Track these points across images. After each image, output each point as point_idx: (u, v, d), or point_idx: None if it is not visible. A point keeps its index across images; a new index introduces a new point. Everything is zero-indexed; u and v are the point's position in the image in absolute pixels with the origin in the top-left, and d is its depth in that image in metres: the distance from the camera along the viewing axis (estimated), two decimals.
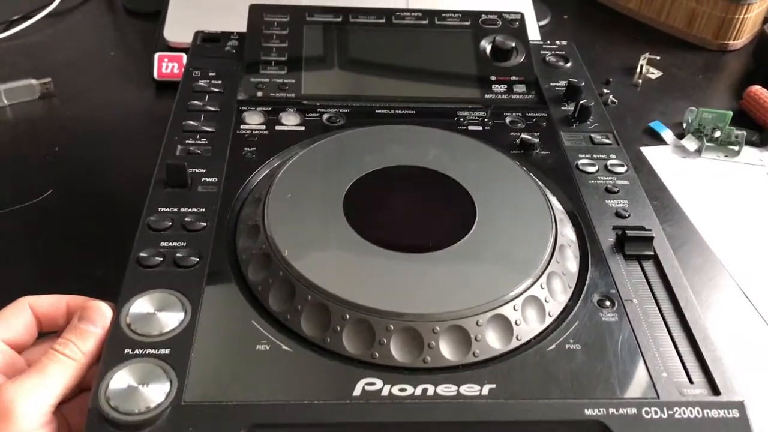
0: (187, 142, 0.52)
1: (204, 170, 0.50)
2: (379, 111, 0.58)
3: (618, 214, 0.49)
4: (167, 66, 0.74)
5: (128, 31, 0.85)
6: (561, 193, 0.51)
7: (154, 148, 0.52)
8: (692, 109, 0.74)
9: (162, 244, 0.44)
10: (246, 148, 0.52)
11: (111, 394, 0.36)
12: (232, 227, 0.46)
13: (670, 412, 0.37)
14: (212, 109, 0.56)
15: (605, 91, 0.79)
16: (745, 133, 0.72)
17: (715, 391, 0.38)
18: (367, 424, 0.36)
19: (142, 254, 0.43)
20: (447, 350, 0.39)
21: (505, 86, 0.62)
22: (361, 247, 0.43)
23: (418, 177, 0.49)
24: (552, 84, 0.62)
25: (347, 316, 0.39)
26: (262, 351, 0.39)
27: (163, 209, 0.47)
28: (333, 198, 0.46)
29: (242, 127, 0.55)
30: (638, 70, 0.83)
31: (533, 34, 0.79)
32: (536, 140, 0.55)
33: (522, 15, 0.68)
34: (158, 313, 0.40)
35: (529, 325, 0.40)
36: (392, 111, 0.58)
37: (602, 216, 0.49)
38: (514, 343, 0.40)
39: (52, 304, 0.41)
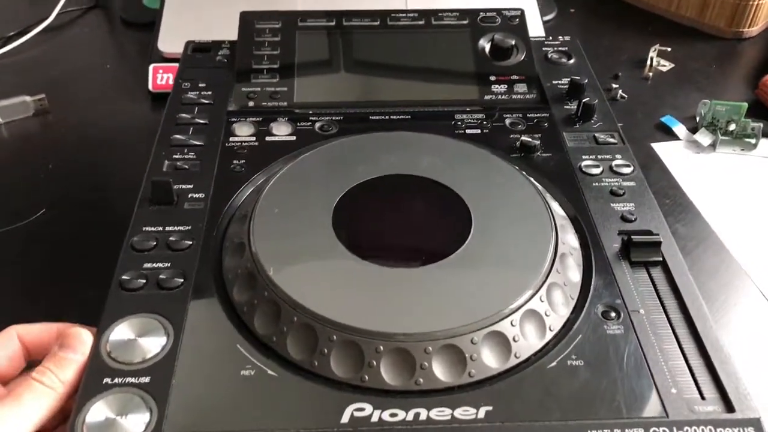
0: (174, 157, 0.51)
1: (191, 186, 0.48)
2: (374, 117, 0.56)
3: (624, 218, 0.47)
4: (162, 77, 0.73)
5: (125, 43, 0.85)
6: (563, 197, 0.48)
7: (149, 162, 0.51)
8: (705, 102, 0.71)
9: (146, 265, 0.43)
10: (235, 161, 0.51)
11: (88, 427, 0.34)
12: (218, 245, 0.44)
13: (680, 431, 0.35)
14: (201, 121, 0.54)
15: (614, 85, 0.76)
16: (761, 124, 0.69)
17: (729, 407, 0.36)
18: None
19: (124, 277, 0.42)
20: (440, 371, 0.37)
21: (505, 86, 0.60)
22: (349, 262, 0.41)
23: (411, 187, 0.47)
24: (554, 82, 0.60)
25: (334, 337, 0.37)
26: (247, 376, 0.37)
27: (147, 228, 0.45)
28: (322, 211, 0.44)
29: (231, 139, 0.53)
30: (648, 62, 0.80)
31: (536, 30, 0.76)
32: (537, 142, 0.52)
33: (522, 11, 0.65)
34: (139, 339, 0.38)
35: (528, 341, 0.38)
36: (387, 117, 0.56)
37: (607, 220, 0.47)
38: (513, 362, 0.38)
39: (41, 332, 0.40)
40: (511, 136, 0.54)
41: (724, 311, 0.53)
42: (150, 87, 0.73)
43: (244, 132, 0.54)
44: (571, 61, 0.63)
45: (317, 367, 0.37)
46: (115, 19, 0.87)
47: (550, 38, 0.65)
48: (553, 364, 0.38)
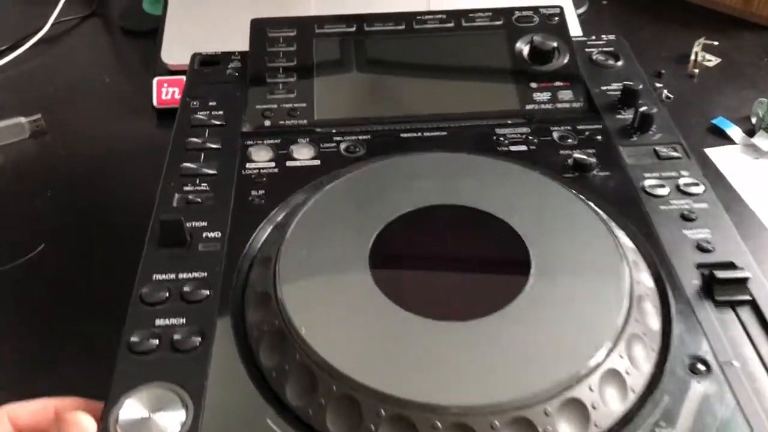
0: (185, 188, 0.46)
1: (205, 223, 0.43)
2: (405, 135, 0.50)
3: (700, 248, 0.41)
4: (167, 92, 0.68)
5: (126, 53, 0.79)
6: (628, 224, 0.43)
7: (156, 187, 0.46)
8: (762, 101, 0.65)
9: (158, 322, 0.37)
10: (253, 192, 0.45)
11: None
12: (239, 295, 0.39)
13: None
14: (213, 146, 0.49)
15: (657, 85, 0.71)
16: None
17: None
18: None
19: (134, 338, 0.36)
20: None
21: (549, 94, 0.54)
22: (393, 315, 0.36)
23: (456, 219, 0.41)
24: (603, 88, 0.54)
25: (382, 412, 0.32)
26: None
27: (158, 276, 0.40)
28: (357, 253, 0.39)
29: (248, 165, 0.48)
30: (693, 57, 0.74)
31: (574, 29, 0.70)
32: (592, 160, 0.47)
33: (561, 9, 0.59)
34: (154, 415, 0.33)
35: (608, 408, 0.33)
36: (420, 134, 0.50)
37: (681, 251, 0.41)
38: None
39: (36, 412, 0.35)
40: (562, 152, 0.48)
41: None
42: (154, 102, 0.68)
43: (261, 157, 0.48)
44: (619, 63, 0.57)
45: None
46: (114, 28, 0.82)
47: (593, 38, 0.60)
48: None
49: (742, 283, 0.38)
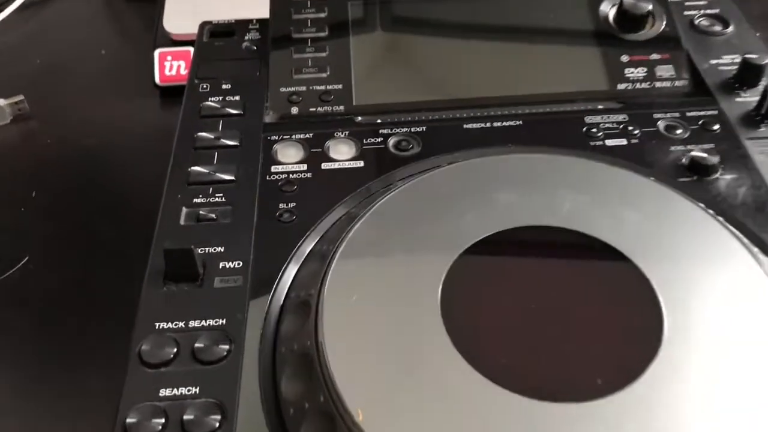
0: (195, 201, 0.36)
1: (222, 249, 0.34)
2: (469, 126, 0.40)
3: None
4: (171, 66, 0.58)
5: (126, 20, 0.69)
6: None
7: (161, 184, 0.37)
8: None
9: (162, 392, 0.29)
10: (282, 206, 0.36)
11: None
12: (269, 354, 0.30)
13: None
14: (230, 142, 0.39)
15: None
16: None
17: None
18: None
19: (131, 419, 0.28)
20: None
21: (644, 69, 0.44)
22: (479, 392, 0.26)
23: (553, 247, 0.32)
24: (712, 62, 0.44)
25: None
26: None
27: (162, 324, 0.31)
28: (424, 298, 0.29)
29: (274, 169, 0.38)
30: None
31: None
32: (715, 159, 0.37)
33: None
34: None
35: None
36: (487, 124, 0.40)
37: None
38: None
39: None
40: (673, 147, 0.38)
41: None
42: (157, 79, 0.58)
43: (290, 156, 0.39)
44: (729, 29, 0.46)
45: None
46: None
47: None
48: None
49: None
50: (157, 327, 0.31)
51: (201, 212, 0.36)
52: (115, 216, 0.50)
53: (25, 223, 0.49)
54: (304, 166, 0.38)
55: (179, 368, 0.29)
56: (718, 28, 0.46)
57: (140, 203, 0.49)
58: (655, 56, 0.44)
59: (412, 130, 0.40)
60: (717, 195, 0.36)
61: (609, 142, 0.39)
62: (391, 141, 0.39)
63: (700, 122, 0.40)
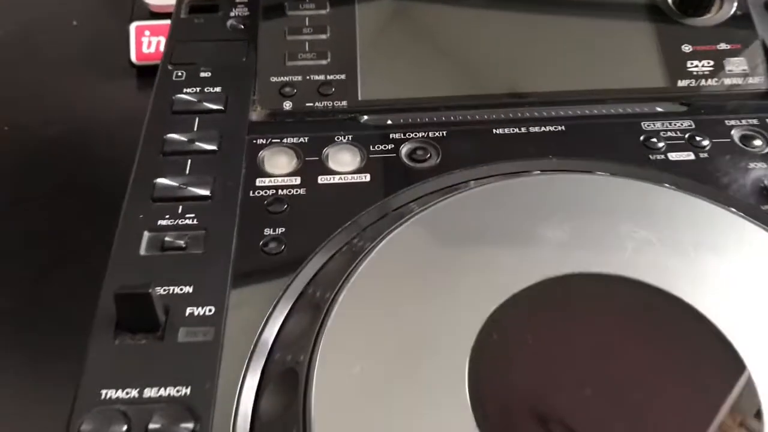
0: (160, 223, 0.30)
1: (190, 289, 0.27)
2: (500, 131, 0.33)
3: None
4: (149, 42, 0.51)
5: None
6: None
7: (115, 238, 0.30)
8: None
9: None
10: (268, 232, 0.29)
11: None
12: None
13: None
14: (206, 147, 0.32)
15: None
16: None
17: None
18: None
19: None
20: None
21: (710, 62, 0.37)
22: None
23: (611, 304, 0.25)
24: None
25: None
26: None
27: (110, 393, 0.24)
28: (447, 374, 0.23)
29: (259, 182, 0.31)
30: None
31: None
32: None
33: None
34: None
35: None
36: (523, 129, 0.33)
37: None
38: None
39: None
40: (752, 165, 0.31)
41: None
42: (132, 57, 0.51)
43: (279, 166, 0.32)
44: None
45: None
46: None
47: None
48: None
49: None
50: (103, 396, 0.24)
51: (167, 238, 0.29)
52: (82, 219, 0.43)
53: None
54: (297, 180, 0.31)
55: None
56: None
57: (110, 204, 0.42)
58: (723, 46, 0.37)
59: (430, 135, 0.33)
60: None
61: (672, 156, 0.32)
62: (404, 149, 0.33)
63: None
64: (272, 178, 0.31)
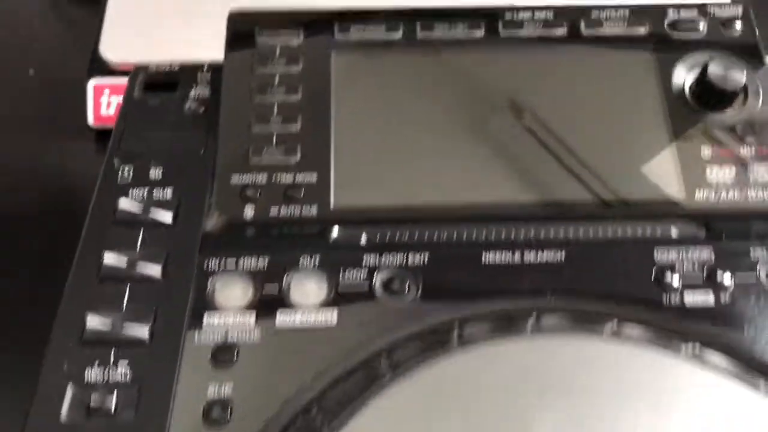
0: (88, 375, 0.25)
1: None
2: (490, 258, 0.29)
3: None
4: (109, 103, 0.46)
5: (67, 29, 0.57)
6: None
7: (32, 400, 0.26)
8: None
9: None
10: (212, 392, 0.25)
11: None
12: None
13: None
14: (148, 273, 0.28)
15: None
16: None
17: None
18: None
19: None
20: None
21: (733, 170, 0.32)
22: None
23: None
24: None
25: None
26: None
27: None
28: None
29: (207, 319, 0.27)
30: None
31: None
32: None
33: (746, 7, 0.37)
34: None
35: None
36: (516, 257, 0.29)
37: None
38: None
39: None
40: None
41: None
42: (90, 119, 0.46)
43: (233, 298, 0.28)
44: None
45: None
46: None
47: None
48: None
49: None
50: None
51: (94, 397, 0.25)
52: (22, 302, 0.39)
53: None
54: (251, 318, 0.27)
55: None
56: None
57: (53, 282, 0.38)
58: (747, 150, 0.33)
59: (410, 261, 0.29)
60: None
61: (689, 299, 0.28)
62: (379, 278, 0.28)
63: None
64: (223, 314, 0.27)
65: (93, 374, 0.25)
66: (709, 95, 0.34)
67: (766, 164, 0.33)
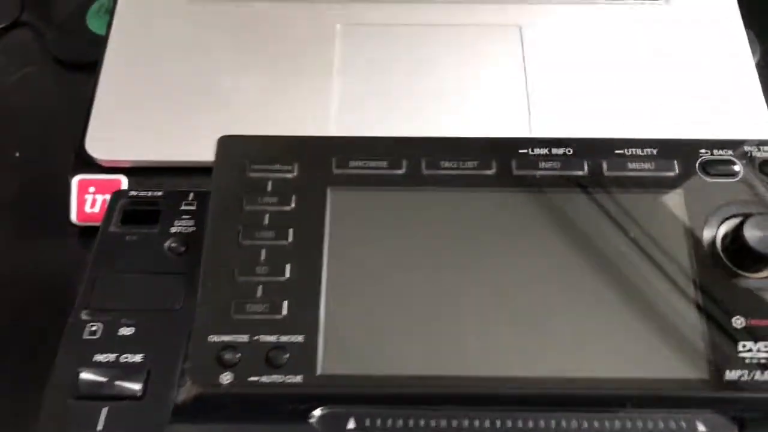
0: None
1: None
2: None
3: None
4: (94, 201, 0.44)
5: (58, 102, 0.54)
6: None
7: None
8: None
9: None
10: None
11: None
12: None
13: None
14: None
15: None
16: None
17: None
18: None
19: None
20: None
21: None
22: None
23: None
24: None
25: None
26: None
27: None
28: None
29: None
30: None
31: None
32: None
33: None
34: None
35: None
36: None
37: None
38: None
39: None
40: None
41: None
42: (73, 216, 0.44)
43: None
44: None
45: None
46: (45, 53, 0.57)
47: None
48: None
49: None
50: None
51: None
52: None
53: None
54: None
55: None
56: None
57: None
58: None
59: None
60: None
61: None
62: None
63: None
64: None
65: None
66: (745, 256, 0.31)
67: None
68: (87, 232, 0.44)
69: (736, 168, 0.33)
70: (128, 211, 0.33)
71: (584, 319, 0.30)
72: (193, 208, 0.33)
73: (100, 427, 0.26)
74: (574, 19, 0.47)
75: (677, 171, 0.33)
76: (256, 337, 0.29)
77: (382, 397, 0.28)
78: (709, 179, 0.33)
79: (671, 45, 0.45)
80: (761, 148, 0.33)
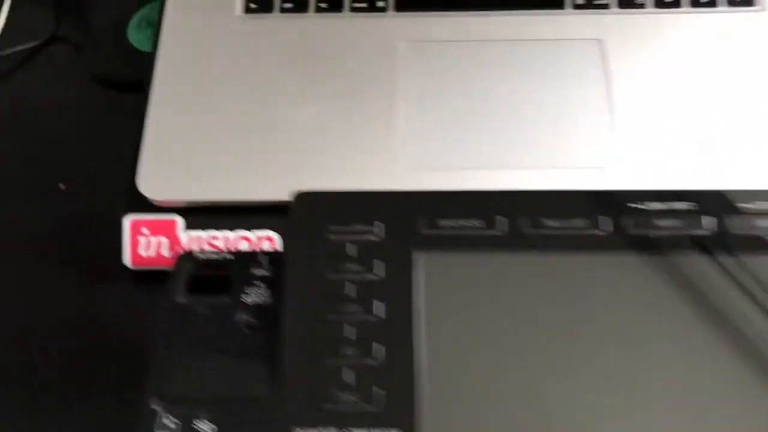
0: None
1: None
2: None
3: None
4: (148, 243, 0.41)
5: (98, 124, 0.51)
6: None
7: None
8: None
9: None
10: None
11: None
12: None
13: None
14: None
15: None
16: None
17: None
18: None
19: None
20: None
21: None
22: None
23: None
24: None
25: None
26: None
27: None
28: None
29: None
30: None
31: None
32: None
33: None
34: None
35: None
36: None
37: None
38: None
39: None
40: None
41: None
42: (126, 260, 0.41)
43: None
44: None
45: None
46: (79, 72, 0.53)
47: None
48: None
49: None
50: None
51: None
52: None
53: None
54: None
55: None
56: None
57: None
58: None
59: None
60: None
61: None
62: None
63: None
64: None
65: None
66: None
67: None
68: (142, 278, 0.41)
69: None
70: (194, 277, 0.30)
71: (709, 393, 0.27)
72: (265, 272, 0.30)
73: None
74: (659, 30, 0.43)
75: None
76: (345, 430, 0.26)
77: None
78: None
79: None
80: None
